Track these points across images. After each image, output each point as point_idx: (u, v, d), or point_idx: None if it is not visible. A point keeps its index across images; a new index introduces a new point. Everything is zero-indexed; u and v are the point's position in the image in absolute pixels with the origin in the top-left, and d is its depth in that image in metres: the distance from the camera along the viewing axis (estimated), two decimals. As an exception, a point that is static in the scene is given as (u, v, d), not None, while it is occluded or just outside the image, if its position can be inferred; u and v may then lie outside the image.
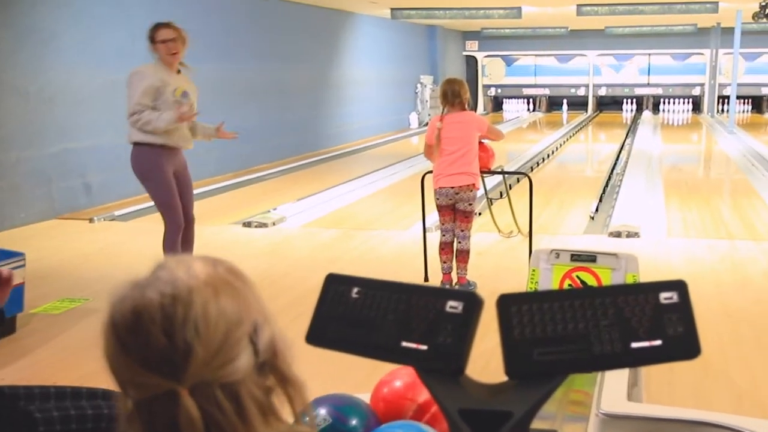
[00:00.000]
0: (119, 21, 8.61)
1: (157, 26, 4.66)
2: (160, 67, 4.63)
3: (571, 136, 16.67)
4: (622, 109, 23.71)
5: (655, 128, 18.50)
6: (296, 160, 12.52)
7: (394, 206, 8.33)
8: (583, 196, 8.74)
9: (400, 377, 1.99)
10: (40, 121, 7.78)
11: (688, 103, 23.28)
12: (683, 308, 1.05)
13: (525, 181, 5.55)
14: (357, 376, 2.75)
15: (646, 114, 22.54)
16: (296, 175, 11.26)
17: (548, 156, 12.90)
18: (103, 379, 2.39)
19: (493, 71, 24.32)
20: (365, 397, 1.99)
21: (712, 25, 19.91)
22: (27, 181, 7.59)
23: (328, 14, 14.66)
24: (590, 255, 2.60)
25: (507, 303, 1.09)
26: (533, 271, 2.66)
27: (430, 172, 5.07)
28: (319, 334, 1.17)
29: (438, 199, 4.92)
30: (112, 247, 6.58)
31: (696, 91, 23.07)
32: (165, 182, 4.67)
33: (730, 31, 17.03)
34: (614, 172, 10.74)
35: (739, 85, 17.35)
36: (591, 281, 2.58)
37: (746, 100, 22.39)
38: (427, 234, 5.48)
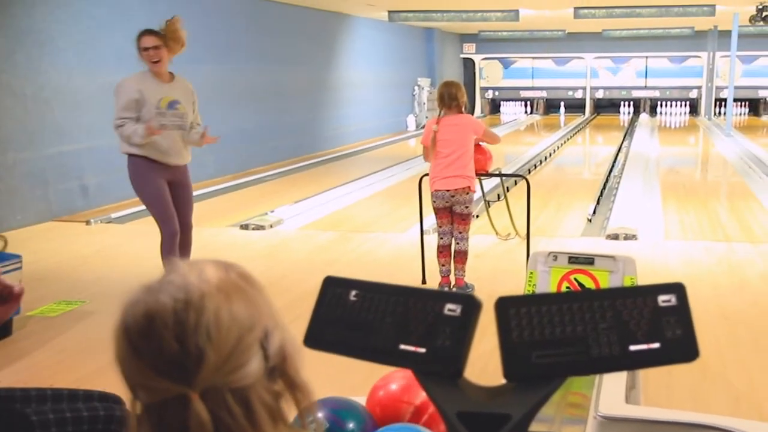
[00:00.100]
0: (117, 23, 8.60)
1: (141, 33, 4.60)
2: (147, 76, 4.56)
3: (568, 139, 16.68)
4: (619, 112, 23.75)
5: (653, 131, 18.52)
6: (294, 163, 12.52)
7: (391, 209, 8.33)
8: (581, 199, 8.74)
9: (395, 380, 1.99)
10: (37, 123, 7.77)
11: (686, 105, 23.33)
12: (681, 311, 1.05)
13: (522, 184, 5.56)
14: (353, 379, 2.75)
15: (644, 116, 22.57)
16: (294, 177, 11.25)
17: (546, 158, 12.91)
18: (101, 382, 2.39)
19: (490, 74, 24.34)
20: (361, 401, 1.99)
21: (709, 28, 19.95)
22: (24, 183, 7.58)
23: (326, 16, 14.67)
24: (588, 257, 2.60)
25: (505, 306, 1.09)
26: (531, 273, 2.66)
27: (428, 174, 5.07)
28: (317, 337, 1.17)
29: (434, 201, 4.93)
30: (109, 250, 6.58)
31: (693, 94, 23.12)
32: (155, 193, 4.66)
33: (727, 34, 17.07)
34: (612, 174, 10.75)
35: (736, 87, 17.39)
36: (589, 284, 2.57)
37: (743, 103, 22.45)
38: (425, 236, 5.48)
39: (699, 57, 22.53)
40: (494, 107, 24.72)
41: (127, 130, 4.49)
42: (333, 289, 1.20)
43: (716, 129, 18.15)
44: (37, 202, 7.68)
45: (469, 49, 23.99)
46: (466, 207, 4.91)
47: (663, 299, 1.06)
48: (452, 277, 5.07)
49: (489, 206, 6.62)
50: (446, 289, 4.95)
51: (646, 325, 1.04)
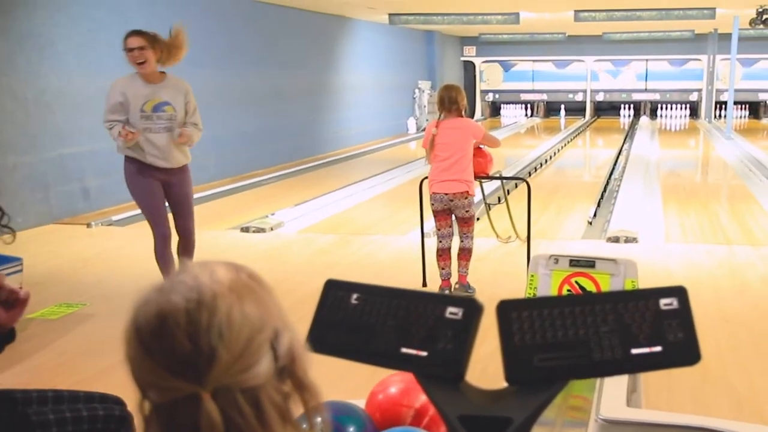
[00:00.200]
0: (116, 26, 8.57)
1: (127, 34, 4.49)
2: (135, 78, 4.50)
3: (568, 142, 16.68)
4: (619, 115, 23.75)
5: (653, 133, 18.52)
6: (294, 165, 12.52)
7: (391, 211, 8.33)
8: (581, 202, 8.74)
9: (394, 384, 1.98)
10: (38, 126, 7.77)
11: (686, 108, 23.33)
12: (683, 314, 1.05)
13: (523, 187, 5.56)
14: (353, 383, 2.75)
15: (644, 119, 22.58)
16: (294, 180, 11.25)
17: (546, 161, 12.91)
18: (102, 384, 2.39)
19: (490, 77, 24.36)
20: (360, 404, 1.99)
21: (710, 31, 19.97)
22: (25, 186, 7.58)
23: (327, 19, 14.68)
24: (589, 260, 2.59)
25: (507, 309, 1.09)
26: (532, 276, 2.66)
27: (428, 177, 5.08)
28: (319, 340, 1.17)
29: (433, 204, 4.93)
30: (110, 252, 6.58)
31: (693, 97, 23.12)
32: (144, 195, 4.63)
33: (727, 37, 17.08)
34: (612, 177, 10.75)
35: (736, 90, 17.40)
36: (590, 287, 2.57)
37: (743, 106, 22.46)
38: (425, 239, 5.48)
39: (699, 60, 22.55)
40: (494, 110, 24.72)
41: (113, 133, 4.47)
42: (334, 292, 1.20)
43: (716, 132, 18.15)
44: (37, 205, 7.68)
45: (470, 52, 24.00)
46: (467, 211, 4.91)
47: (665, 302, 1.06)
48: (454, 277, 5.07)
49: (489, 209, 6.61)
50: (447, 292, 4.94)
51: (648, 328, 1.04)
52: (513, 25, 16.78)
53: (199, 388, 0.92)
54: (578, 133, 18.87)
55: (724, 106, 19.95)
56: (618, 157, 13.16)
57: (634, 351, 1.03)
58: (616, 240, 6.61)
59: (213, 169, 10.50)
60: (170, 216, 4.76)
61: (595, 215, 7.84)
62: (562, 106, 24.19)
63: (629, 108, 23.82)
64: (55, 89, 7.93)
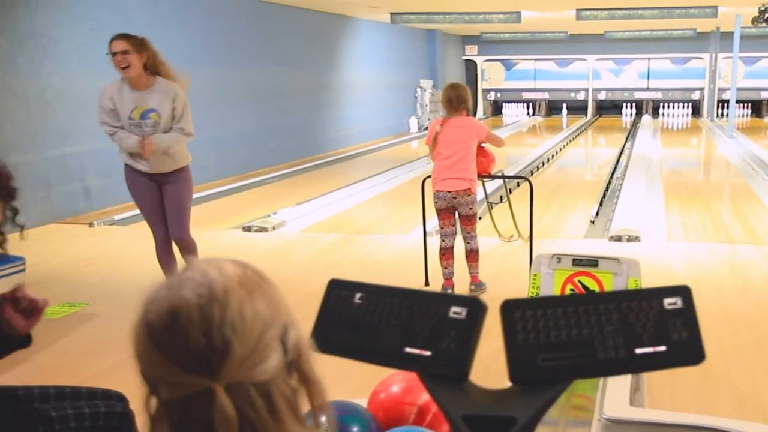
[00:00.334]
0: (119, 25, 8.57)
1: (112, 38, 4.37)
2: (123, 84, 4.42)
3: (570, 141, 16.67)
4: (621, 114, 23.72)
5: (655, 132, 18.50)
6: (296, 165, 12.52)
7: (393, 210, 8.33)
8: (584, 200, 8.74)
9: (396, 383, 1.98)
10: (39, 126, 7.78)
11: (688, 107, 23.30)
12: (687, 314, 1.05)
13: (525, 186, 5.55)
14: (355, 382, 2.75)
15: (646, 118, 22.55)
16: (296, 179, 11.25)
17: (548, 160, 12.90)
18: (104, 383, 2.39)
19: (492, 75, 24.34)
20: (362, 403, 1.99)
21: (712, 30, 19.94)
22: (27, 186, 7.58)
23: (328, 18, 14.68)
24: (592, 260, 2.59)
25: (511, 308, 1.09)
26: (535, 275, 2.66)
27: (430, 176, 5.08)
28: (322, 340, 1.17)
29: (436, 202, 4.94)
30: (112, 252, 6.58)
31: (695, 96, 23.10)
32: (139, 199, 4.64)
33: (729, 35, 17.06)
34: (614, 176, 10.74)
35: (738, 89, 17.37)
36: (593, 286, 2.57)
37: (745, 105, 22.41)
38: (428, 238, 5.48)
39: (701, 58, 22.51)
40: (496, 109, 24.71)
41: (121, 140, 4.44)
42: (338, 291, 1.20)
43: (719, 130, 18.13)
44: (39, 204, 7.68)
45: (471, 51, 23.99)
46: (470, 208, 4.92)
47: (669, 302, 1.05)
48: (456, 276, 5.07)
49: (492, 208, 6.61)
50: (449, 291, 4.95)
51: (652, 328, 1.04)
52: (515, 23, 16.76)
53: (212, 383, 0.92)
54: (580, 132, 18.86)
55: (726, 104, 19.95)
56: (620, 156, 13.15)
57: (638, 351, 1.03)
58: (618, 239, 6.61)
59: (214, 168, 10.50)
60: None
61: (597, 214, 7.83)
62: (564, 105, 24.16)
63: (631, 107, 23.79)
64: (57, 89, 7.93)
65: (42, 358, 4.06)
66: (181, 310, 0.94)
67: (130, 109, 4.41)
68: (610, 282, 2.56)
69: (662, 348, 1.03)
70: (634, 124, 20.55)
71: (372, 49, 17.08)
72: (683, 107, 23.35)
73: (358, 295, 1.17)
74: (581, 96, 23.91)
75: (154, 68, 4.43)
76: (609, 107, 24.04)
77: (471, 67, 24.24)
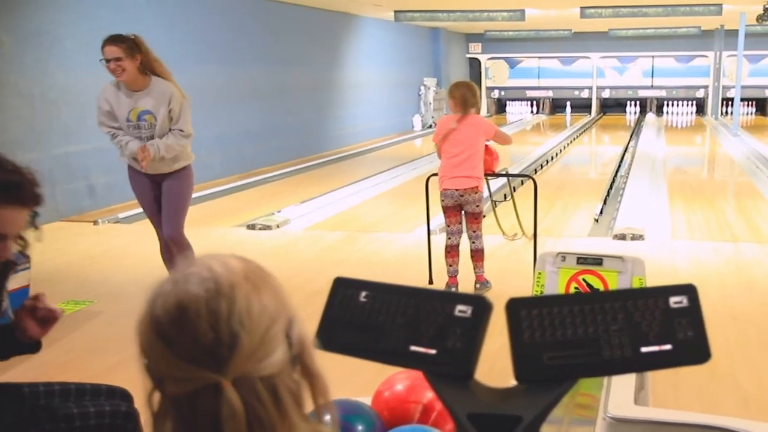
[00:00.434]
0: (124, 24, 8.58)
1: (104, 41, 4.32)
2: (119, 86, 4.37)
3: (574, 139, 16.66)
4: (625, 112, 23.68)
5: (659, 130, 18.47)
6: (300, 163, 12.53)
7: (397, 209, 8.33)
8: (587, 199, 8.73)
9: (399, 381, 1.99)
10: (44, 124, 7.79)
11: (692, 105, 23.25)
12: (693, 313, 1.05)
13: (529, 184, 5.55)
14: (360, 380, 2.75)
15: (650, 116, 22.52)
16: (300, 177, 11.26)
17: (552, 158, 12.89)
18: (109, 381, 2.39)
19: (496, 73, 24.32)
20: (366, 401, 1.99)
21: (716, 28, 19.89)
22: (31, 184, 7.59)
23: (332, 16, 14.67)
24: (596, 258, 2.59)
25: (516, 307, 1.09)
26: (539, 274, 2.65)
27: (436, 174, 5.08)
28: (328, 338, 1.17)
29: (443, 200, 4.94)
30: (117, 250, 6.59)
31: (700, 94, 23.05)
32: (139, 199, 4.65)
33: (733, 33, 17.02)
34: (618, 174, 10.72)
35: (743, 87, 17.33)
36: (597, 284, 2.57)
37: (750, 103, 22.38)
38: (432, 236, 5.47)
39: (706, 56, 22.47)
40: (500, 107, 24.69)
41: (121, 141, 4.42)
42: (343, 290, 1.20)
43: (723, 128, 18.09)
44: (44, 202, 7.69)
45: (475, 49, 23.97)
46: (477, 206, 4.93)
47: (674, 301, 1.05)
48: (461, 274, 5.07)
49: (496, 206, 6.61)
50: (453, 289, 4.95)
51: (657, 326, 1.04)
52: (519, 21, 16.74)
53: (220, 377, 0.93)
54: (584, 130, 18.84)
55: (730, 102, 19.88)
56: (624, 154, 13.13)
57: (644, 349, 1.03)
58: (622, 237, 6.60)
59: (219, 166, 10.51)
60: None
61: (601, 212, 7.82)
62: (568, 103, 24.14)
63: (635, 105, 23.76)
64: (62, 87, 7.94)
65: (47, 356, 4.06)
66: (189, 305, 0.94)
67: (127, 110, 4.38)
68: (614, 280, 2.56)
69: (668, 347, 1.03)
70: (638, 122, 20.52)
71: (376, 47, 17.08)
72: (687, 105, 23.31)
73: (364, 294, 1.17)
74: (585, 94, 23.88)
75: (149, 67, 4.36)
76: (613, 105, 24.00)
77: (475, 65, 24.23)
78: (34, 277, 4.50)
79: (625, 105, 23.87)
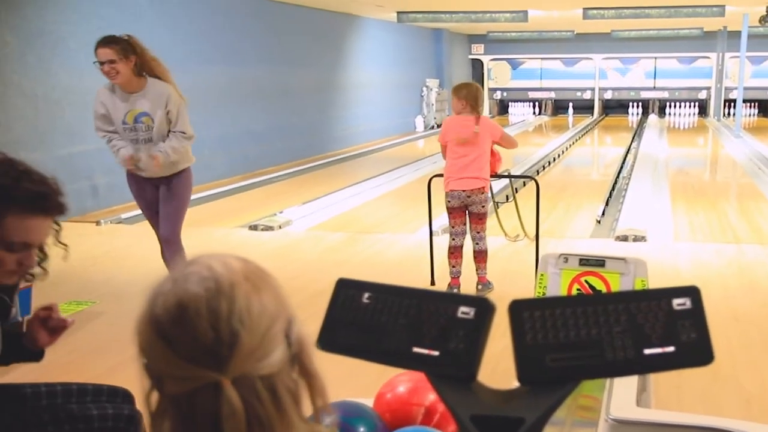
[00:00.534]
0: (127, 23, 8.61)
1: (97, 43, 4.17)
2: (114, 88, 4.27)
3: (577, 140, 16.65)
4: (628, 113, 23.68)
5: (662, 132, 18.46)
6: (302, 163, 12.53)
7: (400, 210, 8.33)
8: (590, 200, 8.72)
9: (401, 383, 1.98)
10: (47, 124, 7.80)
11: (695, 106, 23.25)
12: (696, 314, 1.05)
13: (531, 185, 5.55)
14: (361, 381, 2.75)
15: (652, 117, 22.51)
16: (302, 178, 11.26)
17: (554, 159, 12.89)
18: (111, 382, 2.39)
19: (498, 74, 24.32)
20: (368, 403, 1.99)
21: (719, 29, 19.88)
22: (34, 184, 7.60)
23: (335, 17, 14.68)
24: (599, 260, 2.59)
25: (519, 309, 1.09)
26: (542, 275, 2.65)
27: (438, 175, 5.08)
28: (330, 340, 1.17)
29: (449, 201, 4.93)
30: (119, 250, 6.60)
31: (702, 95, 23.04)
32: (137, 202, 4.63)
33: (736, 34, 17.01)
34: (620, 175, 10.72)
35: (745, 88, 17.31)
36: (600, 286, 2.57)
37: (753, 104, 22.37)
38: (434, 238, 5.47)
39: (708, 58, 22.46)
40: (502, 108, 24.69)
41: (114, 146, 4.38)
42: (346, 291, 1.20)
43: (725, 130, 18.08)
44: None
45: (478, 50, 23.97)
46: (483, 206, 4.94)
47: (678, 302, 1.05)
48: (463, 276, 5.08)
49: (498, 207, 6.61)
50: (455, 290, 4.95)
51: (660, 328, 1.04)
52: (521, 23, 16.75)
53: (220, 376, 0.93)
54: (586, 132, 18.83)
55: (733, 104, 19.85)
56: (626, 156, 13.13)
57: (647, 351, 1.03)
58: (624, 239, 6.59)
59: (221, 166, 10.52)
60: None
61: (603, 214, 7.82)
62: (570, 104, 24.14)
63: (638, 106, 23.75)
64: (65, 87, 7.95)
65: (49, 357, 4.05)
66: (189, 304, 0.94)
67: (123, 113, 4.30)
68: (617, 282, 2.56)
69: (671, 349, 1.03)
70: (641, 124, 20.51)
71: (379, 48, 17.09)
72: (690, 107, 23.30)
73: (366, 295, 1.17)
74: (587, 95, 23.87)
75: (145, 68, 4.26)
76: (615, 106, 24.00)
77: (477, 66, 24.23)
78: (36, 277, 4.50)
79: (628, 106, 23.87)
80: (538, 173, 10.70)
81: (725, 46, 20.28)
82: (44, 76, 7.74)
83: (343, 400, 1.88)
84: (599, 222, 7.52)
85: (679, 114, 23.25)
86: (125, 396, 2.22)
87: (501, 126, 5.22)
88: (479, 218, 4.96)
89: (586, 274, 2.58)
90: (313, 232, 7.25)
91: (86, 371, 3.76)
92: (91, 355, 4.09)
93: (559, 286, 2.61)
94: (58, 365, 3.95)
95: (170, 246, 4.48)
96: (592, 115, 23.35)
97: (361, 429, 1.78)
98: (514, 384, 1.09)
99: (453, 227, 5.03)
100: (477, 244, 5.02)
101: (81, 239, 7.03)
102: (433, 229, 5.53)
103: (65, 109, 7.96)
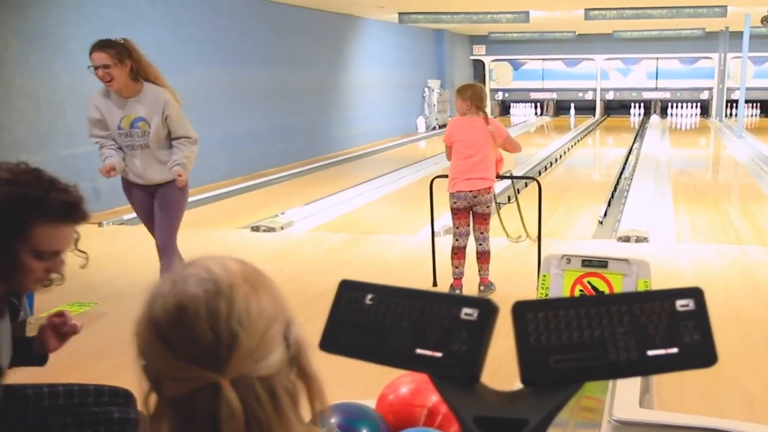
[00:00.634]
0: (129, 25, 8.63)
1: (92, 47, 4.08)
2: (109, 93, 4.19)
3: (578, 141, 16.64)
4: (629, 113, 23.68)
5: (663, 132, 18.45)
6: (304, 164, 12.54)
7: (401, 211, 8.33)
8: (592, 201, 8.72)
9: (404, 385, 1.98)
10: (50, 126, 7.81)
11: (697, 107, 23.24)
12: (700, 316, 1.04)
13: (533, 186, 5.54)
14: (364, 383, 2.75)
15: (654, 118, 22.50)
16: (304, 179, 11.27)
17: (556, 160, 12.88)
18: (113, 383, 2.39)
19: (500, 75, 24.32)
20: (371, 404, 1.99)
21: (721, 30, 19.87)
22: (36, 185, 7.60)
23: (336, 18, 14.69)
24: (602, 261, 2.59)
25: (522, 310, 1.09)
26: (544, 276, 2.65)
27: (440, 176, 5.08)
28: (333, 341, 1.17)
29: (455, 202, 4.93)
30: (121, 252, 6.60)
31: (704, 96, 23.03)
32: (133, 208, 4.60)
33: (738, 35, 17.00)
34: (622, 176, 10.72)
35: (747, 89, 17.31)
36: (602, 287, 2.56)
37: (754, 105, 22.36)
38: (436, 239, 5.47)
39: (710, 58, 22.45)
40: (504, 109, 24.69)
41: (102, 155, 4.37)
42: (348, 292, 1.20)
43: (727, 130, 18.07)
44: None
45: (479, 51, 23.97)
46: (488, 207, 4.94)
47: (681, 304, 1.05)
48: (466, 276, 5.08)
49: (500, 208, 6.60)
50: (457, 291, 4.95)
51: (664, 329, 1.03)
52: (523, 23, 16.75)
53: (219, 377, 0.93)
54: (588, 132, 18.82)
55: (735, 104, 19.87)
56: (628, 156, 13.12)
57: (651, 352, 1.03)
58: (626, 239, 6.59)
59: (223, 167, 10.52)
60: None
61: (605, 214, 7.82)
62: (572, 105, 24.13)
63: (639, 107, 23.74)
64: (67, 88, 7.96)
65: (51, 358, 4.05)
66: (188, 305, 0.95)
67: (119, 118, 4.22)
68: (619, 283, 2.55)
69: (674, 350, 1.02)
70: (643, 124, 20.50)
71: (380, 49, 17.09)
72: (692, 107, 23.29)
73: (369, 296, 1.17)
74: (589, 96, 23.86)
75: (141, 73, 4.18)
76: (617, 107, 23.99)
77: (479, 66, 24.22)
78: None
79: (629, 107, 23.86)
80: (540, 174, 10.70)
81: (727, 47, 20.27)
82: (46, 77, 7.74)
83: (345, 402, 1.88)
84: (601, 223, 7.52)
85: (681, 114, 23.25)
86: (126, 397, 2.22)
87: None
88: (483, 219, 4.96)
89: (589, 275, 2.58)
90: (314, 233, 7.25)
91: (88, 372, 3.76)
92: (93, 356, 4.09)
93: (561, 287, 2.60)
94: (60, 366, 3.95)
95: (165, 253, 4.42)
96: (594, 115, 23.34)
97: (364, 431, 1.78)
98: (517, 385, 1.08)
99: (457, 228, 5.03)
100: (480, 244, 5.02)
101: (83, 240, 6.99)
102: (435, 230, 5.53)
103: (67, 110, 7.97)
